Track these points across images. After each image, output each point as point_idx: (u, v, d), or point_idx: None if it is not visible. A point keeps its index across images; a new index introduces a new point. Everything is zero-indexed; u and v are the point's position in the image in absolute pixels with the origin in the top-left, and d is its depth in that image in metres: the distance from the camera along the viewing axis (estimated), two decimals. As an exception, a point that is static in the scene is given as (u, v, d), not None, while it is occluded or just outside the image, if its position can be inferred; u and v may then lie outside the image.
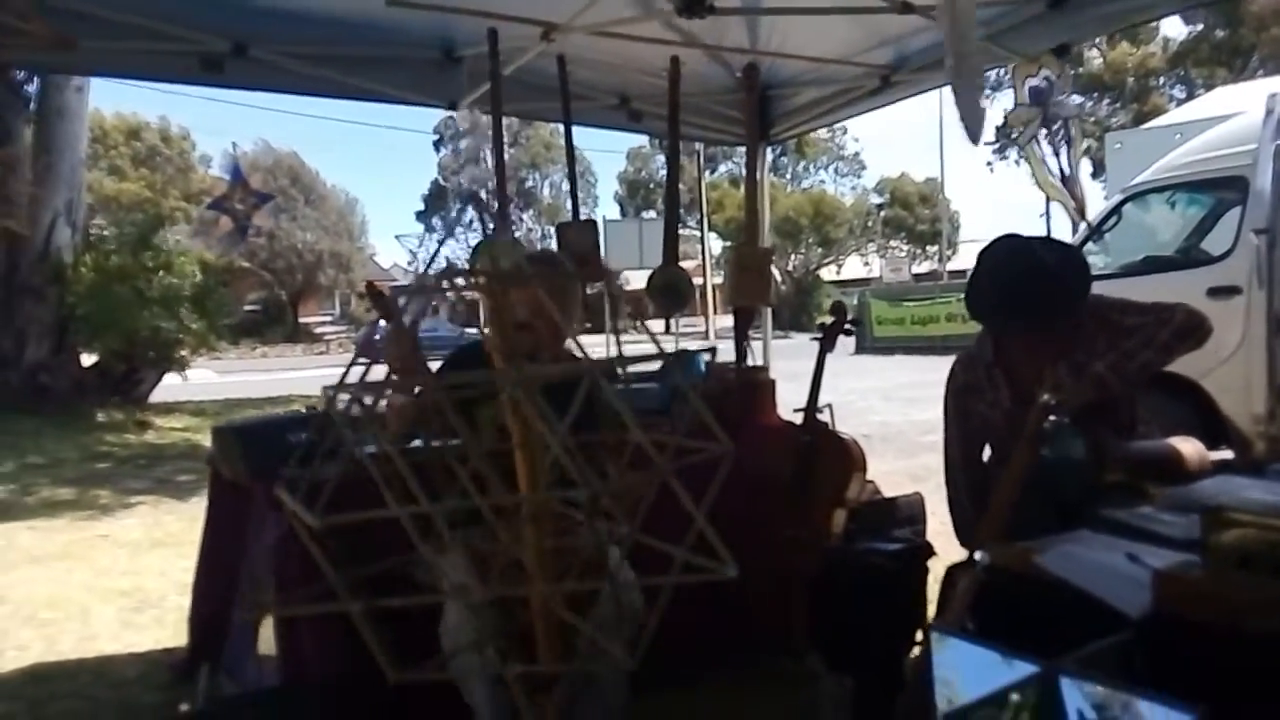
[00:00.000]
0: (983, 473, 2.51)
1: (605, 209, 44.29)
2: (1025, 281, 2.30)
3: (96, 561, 5.03)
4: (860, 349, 20.18)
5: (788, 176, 42.22)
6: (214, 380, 17.25)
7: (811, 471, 3.15)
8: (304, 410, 3.35)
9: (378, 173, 73.48)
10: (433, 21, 3.56)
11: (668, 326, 5.42)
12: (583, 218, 3.76)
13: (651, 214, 34.10)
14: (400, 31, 3.60)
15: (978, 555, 1.61)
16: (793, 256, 37.86)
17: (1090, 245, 6.40)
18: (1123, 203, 6.26)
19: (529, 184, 42.56)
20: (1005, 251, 2.38)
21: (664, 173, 40.83)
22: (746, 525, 3.25)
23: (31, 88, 10.97)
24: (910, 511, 3.36)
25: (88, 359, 11.10)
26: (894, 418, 9.95)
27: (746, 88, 3.66)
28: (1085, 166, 28.91)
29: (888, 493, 3.40)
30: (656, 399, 3.69)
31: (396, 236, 40.91)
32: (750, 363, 3.72)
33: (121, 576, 4.70)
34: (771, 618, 2.96)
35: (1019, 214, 55.41)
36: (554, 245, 4.40)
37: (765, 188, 5.11)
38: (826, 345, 3.28)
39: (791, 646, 2.89)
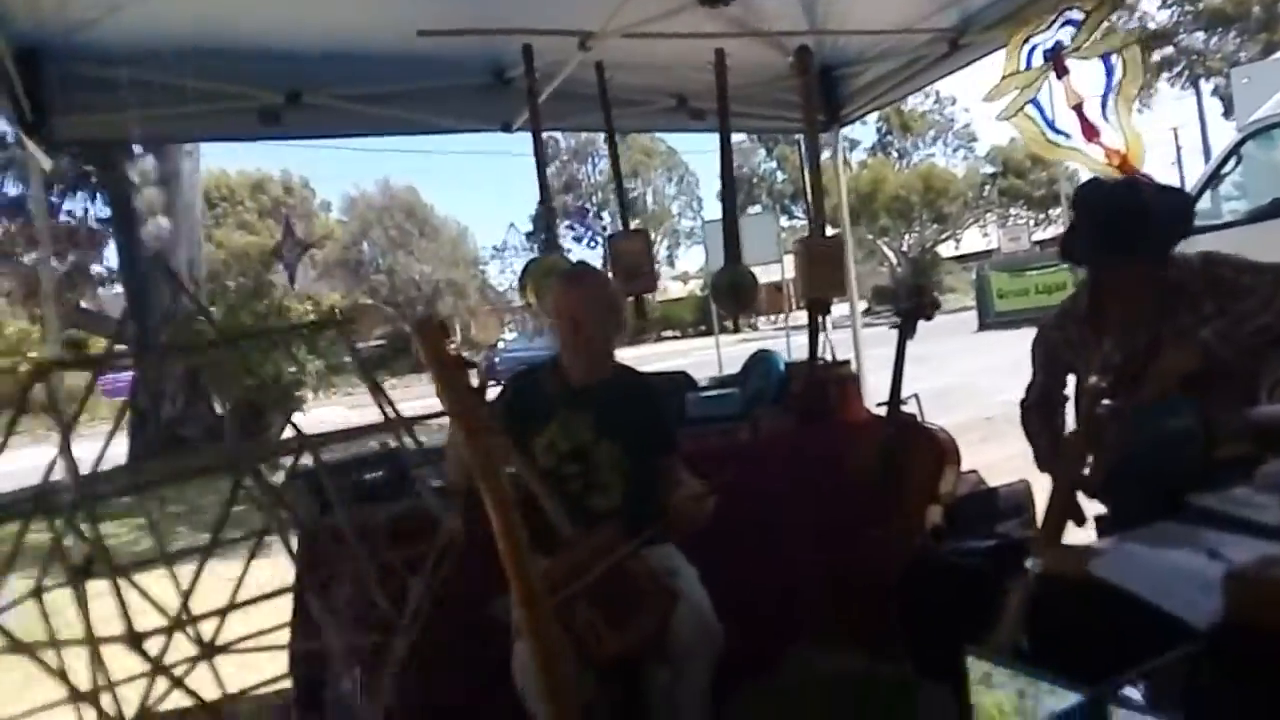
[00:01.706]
0: (1060, 409, 2.47)
1: (709, 210, 44.01)
2: (1112, 204, 2.23)
3: (219, 603, 5.21)
4: (983, 325, 19.40)
5: (895, 155, 41.04)
6: (347, 416, 17.85)
7: (898, 467, 2.97)
8: (378, 447, 3.37)
9: (489, 199, 75.00)
10: (477, 47, 3.56)
11: (736, 327, 5.28)
12: (634, 226, 3.69)
13: (756, 209, 33.76)
14: (447, 61, 3.61)
15: (1028, 563, 1.44)
16: (906, 236, 36.77)
17: (1212, 192, 5.93)
18: (1242, 142, 5.76)
19: (633, 193, 42.74)
20: (1094, 184, 2.37)
21: (766, 167, 40.30)
22: (832, 525, 3.13)
23: (148, 159, 11.67)
24: (1015, 501, 3.15)
25: (222, 407, 11.70)
26: (1019, 395, 9.47)
27: (799, 72, 3.51)
28: (1215, 106, 26.89)
29: (1011, 478, 3.19)
30: (735, 404, 3.58)
31: (492, 254, 40.87)
32: (831, 358, 3.57)
33: (236, 616, 4.85)
34: (860, 621, 2.80)
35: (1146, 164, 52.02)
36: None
37: (841, 171, 4.93)
38: (906, 331, 3.10)
39: (882, 651, 2.73)
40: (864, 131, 40.74)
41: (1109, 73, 2.73)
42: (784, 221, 31.25)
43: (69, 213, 12.58)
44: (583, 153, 40.89)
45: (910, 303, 3.10)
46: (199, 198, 12.45)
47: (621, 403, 2.62)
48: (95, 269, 15.30)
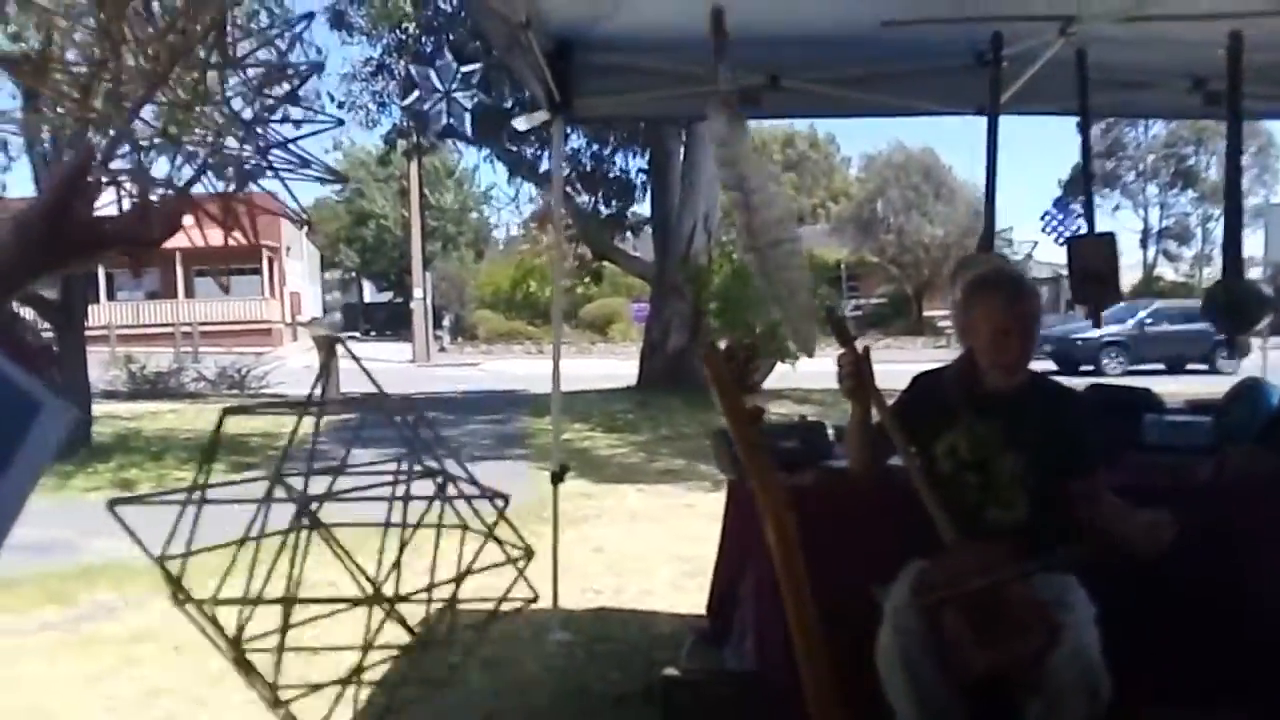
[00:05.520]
0: None
1: (1287, 187, 36.76)
2: None
3: (676, 527, 5.88)
4: None
5: None
6: (828, 369, 18.33)
7: None
8: (796, 419, 3.57)
9: (1019, 162, 69.97)
10: (954, 30, 3.46)
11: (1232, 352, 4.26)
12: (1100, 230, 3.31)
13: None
14: (923, 45, 3.56)
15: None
16: None
17: None
18: None
19: (1189, 162, 37.33)
20: None
21: (1385, 137, 32.54)
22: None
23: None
24: None
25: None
26: None
27: (1341, 54, 2.88)
28: None
29: None
30: (1203, 435, 3.14)
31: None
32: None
33: (688, 543, 5.39)
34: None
35: None
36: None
37: None
38: None
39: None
40: None
41: None
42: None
43: (613, 163, 14.48)
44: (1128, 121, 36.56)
45: None
46: (723, 154, 13.63)
47: (1036, 414, 2.50)
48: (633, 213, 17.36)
